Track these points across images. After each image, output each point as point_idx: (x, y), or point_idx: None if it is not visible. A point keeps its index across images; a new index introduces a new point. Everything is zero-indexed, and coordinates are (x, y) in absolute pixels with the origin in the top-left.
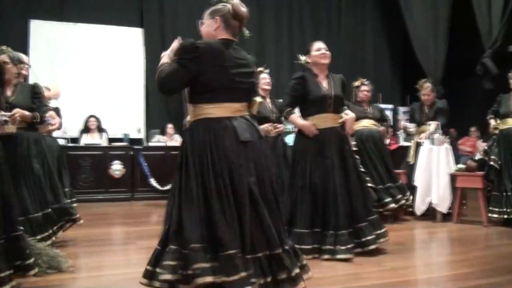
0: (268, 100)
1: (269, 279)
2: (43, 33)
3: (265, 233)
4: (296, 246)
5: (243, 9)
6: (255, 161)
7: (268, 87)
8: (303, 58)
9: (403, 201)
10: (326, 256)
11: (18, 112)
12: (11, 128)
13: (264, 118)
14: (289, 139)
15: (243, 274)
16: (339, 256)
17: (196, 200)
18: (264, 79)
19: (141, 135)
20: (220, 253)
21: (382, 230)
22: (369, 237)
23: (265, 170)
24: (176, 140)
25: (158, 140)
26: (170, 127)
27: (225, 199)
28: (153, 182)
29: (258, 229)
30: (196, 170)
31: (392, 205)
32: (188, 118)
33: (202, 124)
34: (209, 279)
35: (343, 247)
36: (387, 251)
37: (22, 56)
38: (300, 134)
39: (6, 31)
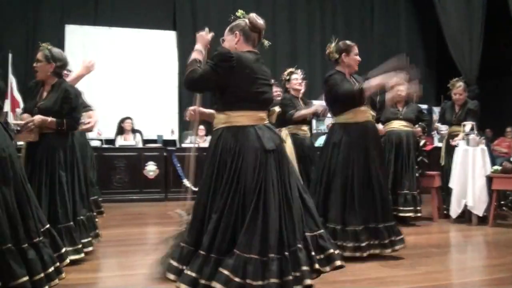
0: (300, 100)
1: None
2: (78, 37)
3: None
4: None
5: (260, 21)
6: (279, 167)
7: (300, 88)
8: (334, 49)
9: (410, 214)
10: (380, 251)
11: (33, 121)
12: (28, 137)
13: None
14: (321, 140)
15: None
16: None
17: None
18: (296, 79)
19: (175, 136)
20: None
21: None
22: (386, 241)
23: (290, 174)
24: (208, 141)
25: (191, 141)
26: (201, 129)
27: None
28: (186, 182)
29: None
30: (225, 177)
31: (394, 213)
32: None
33: (230, 131)
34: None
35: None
36: (420, 254)
37: (63, 56)
38: (334, 127)
39: (43, 36)
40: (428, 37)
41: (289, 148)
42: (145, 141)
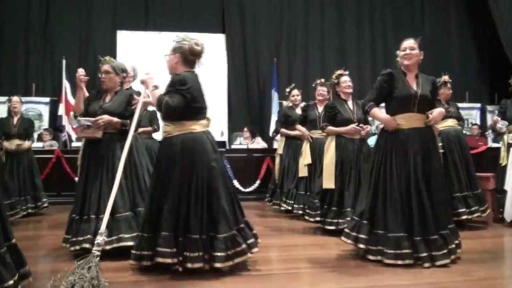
0: (350, 102)
1: None
2: (130, 42)
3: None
4: (379, 247)
5: (198, 48)
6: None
7: (349, 90)
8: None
9: (478, 213)
10: (425, 264)
11: (102, 118)
12: (96, 133)
13: (347, 120)
14: (372, 141)
15: None
16: (438, 263)
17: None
18: (345, 82)
19: (224, 137)
20: None
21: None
22: (434, 253)
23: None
24: (257, 143)
25: (240, 143)
26: (245, 131)
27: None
28: (236, 183)
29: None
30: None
31: (465, 217)
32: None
33: (189, 137)
34: None
35: (439, 253)
36: (474, 259)
37: (126, 66)
38: (384, 132)
39: (96, 42)
40: (480, 33)
41: (330, 151)
42: None
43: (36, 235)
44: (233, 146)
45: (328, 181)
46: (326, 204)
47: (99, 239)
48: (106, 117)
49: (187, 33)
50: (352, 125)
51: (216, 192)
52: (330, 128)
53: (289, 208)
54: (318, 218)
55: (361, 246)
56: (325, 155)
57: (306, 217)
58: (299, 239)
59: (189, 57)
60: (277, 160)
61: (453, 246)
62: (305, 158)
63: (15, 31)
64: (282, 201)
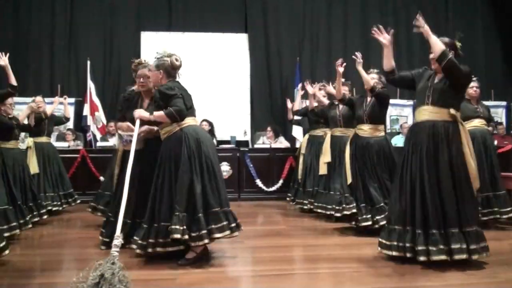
0: (369, 98)
1: None
2: (153, 43)
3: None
4: (387, 242)
5: (178, 62)
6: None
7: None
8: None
9: (498, 216)
10: (421, 258)
11: (143, 132)
12: (139, 145)
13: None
14: (397, 140)
15: None
16: (434, 258)
17: None
18: (372, 79)
19: (247, 137)
20: None
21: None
22: (455, 246)
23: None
24: (280, 142)
25: (263, 142)
26: (269, 130)
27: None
28: (259, 183)
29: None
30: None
31: (485, 218)
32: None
33: (190, 128)
34: None
35: (435, 248)
36: (502, 261)
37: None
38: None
39: (120, 43)
40: (506, 31)
41: (348, 147)
42: (219, 142)
43: (61, 233)
44: (256, 146)
45: (347, 177)
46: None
47: (116, 241)
48: (146, 128)
49: (165, 50)
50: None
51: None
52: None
53: (312, 207)
54: (349, 212)
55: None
56: (346, 151)
57: (334, 213)
58: (322, 239)
59: (171, 71)
60: (301, 159)
61: (475, 246)
62: (325, 156)
63: (40, 34)
64: (305, 200)
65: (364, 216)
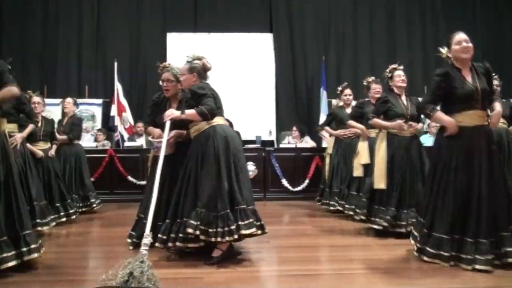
0: (403, 97)
1: None
2: (179, 44)
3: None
4: (434, 251)
5: (209, 65)
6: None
7: (403, 85)
8: (444, 50)
9: None
10: (464, 266)
11: (172, 137)
12: (168, 151)
13: (400, 116)
14: (424, 140)
15: None
16: (477, 267)
17: None
18: (399, 76)
19: (273, 137)
20: None
21: None
22: (509, 249)
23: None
24: (306, 142)
25: (288, 142)
26: (294, 130)
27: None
28: (285, 182)
29: None
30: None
31: None
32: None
33: (218, 127)
34: None
35: (482, 257)
36: None
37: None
38: (444, 132)
39: (146, 45)
40: None
41: (381, 150)
42: (244, 142)
43: (88, 232)
44: (281, 145)
45: (379, 181)
46: (376, 204)
47: (145, 240)
48: (175, 133)
49: (194, 53)
50: (399, 121)
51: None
52: (376, 120)
53: (339, 208)
54: (363, 217)
55: (418, 245)
56: (376, 153)
57: (356, 217)
58: (349, 239)
59: (203, 73)
60: (327, 159)
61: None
62: (362, 157)
63: (68, 36)
64: (332, 201)
65: (399, 222)
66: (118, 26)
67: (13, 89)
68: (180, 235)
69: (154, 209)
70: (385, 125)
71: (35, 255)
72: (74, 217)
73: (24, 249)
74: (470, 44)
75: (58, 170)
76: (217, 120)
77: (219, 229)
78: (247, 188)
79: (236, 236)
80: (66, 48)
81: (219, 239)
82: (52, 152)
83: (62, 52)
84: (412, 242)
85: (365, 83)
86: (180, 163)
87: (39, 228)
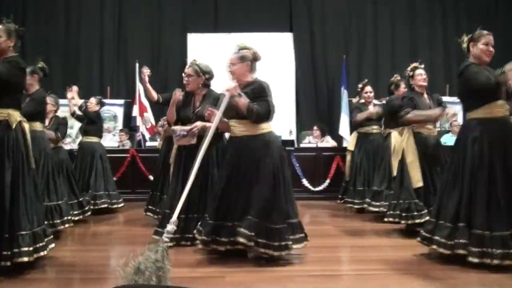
0: (425, 95)
1: None
2: (200, 44)
3: None
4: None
5: (259, 54)
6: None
7: (424, 83)
8: (465, 39)
9: None
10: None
11: (197, 126)
12: (190, 140)
13: None
14: (447, 139)
15: None
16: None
17: None
18: (421, 75)
19: (293, 136)
20: None
21: None
22: None
23: None
24: (326, 141)
25: (309, 141)
26: (315, 129)
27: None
28: (305, 182)
29: None
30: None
31: None
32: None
33: (273, 136)
34: None
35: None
36: None
37: (209, 69)
38: (474, 124)
39: (167, 45)
40: None
41: (411, 147)
42: None
43: (109, 230)
44: (301, 145)
45: (416, 179)
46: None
47: (169, 227)
48: (199, 124)
49: (241, 43)
50: (440, 108)
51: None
52: (416, 112)
53: (363, 207)
54: (420, 220)
55: (442, 250)
56: (405, 152)
57: (391, 219)
58: (371, 239)
59: (254, 64)
60: (348, 157)
61: None
62: (399, 155)
63: (90, 37)
64: (356, 199)
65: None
66: (139, 27)
67: None
68: (223, 239)
69: (172, 199)
70: (428, 114)
71: (25, 259)
72: (88, 214)
73: (16, 250)
74: (492, 49)
75: (71, 168)
76: (269, 127)
77: (275, 243)
78: (293, 200)
79: (287, 251)
80: (88, 50)
81: (275, 253)
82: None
83: (84, 53)
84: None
85: (395, 81)
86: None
87: (61, 227)
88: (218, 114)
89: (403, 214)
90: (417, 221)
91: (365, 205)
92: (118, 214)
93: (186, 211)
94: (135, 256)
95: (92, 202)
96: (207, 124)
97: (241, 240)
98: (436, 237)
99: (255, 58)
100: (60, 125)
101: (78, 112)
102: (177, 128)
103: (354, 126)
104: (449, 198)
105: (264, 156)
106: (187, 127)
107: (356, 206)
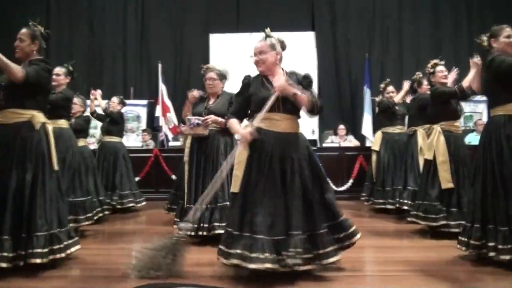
0: None
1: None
2: (222, 45)
3: None
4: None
5: (285, 44)
6: None
7: (445, 80)
8: (485, 38)
9: None
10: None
11: (210, 117)
12: (203, 131)
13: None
14: (471, 138)
15: None
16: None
17: None
18: (441, 71)
19: (315, 136)
20: None
21: None
22: None
23: None
24: (349, 141)
25: (331, 141)
26: (341, 128)
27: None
28: (329, 182)
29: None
30: None
31: None
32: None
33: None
34: None
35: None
36: None
37: (227, 71)
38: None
39: (190, 47)
40: None
41: (442, 147)
42: None
43: (132, 229)
44: (324, 145)
45: (446, 180)
46: (445, 206)
47: (185, 224)
48: (213, 116)
49: (268, 31)
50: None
51: None
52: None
53: (392, 207)
54: (436, 223)
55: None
56: (436, 151)
57: (413, 219)
58: (395, 240)
59: (281, 54)
60: (374, 157)
61: None
62: (427, 152)
63: (113, 39)
64: (385, 200)
65: (455, 222)
66: (161, 28)
67: (19, 71)
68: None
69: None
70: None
71: (38, 260)
72: (107, 212)
73: (30, 251)
74: None
75: (95, 166)
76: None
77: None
78: None
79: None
80: (112, 51)
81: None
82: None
83: (108, 54)
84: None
85: (418, 78)
86: (210, 152)
87: (84, 223)
88: (262, 112)
89: (422, 215)
90: (434, 224)
91: (393, 205)
92: (141, 213)
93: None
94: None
95: (119, 201)
96: (219, 118)
97: (295, 262)
98: (490, 244)
99: (283, 47)
100: (84, 120)
101: (100, 111)
102: (192, 117)
103: (378, 124)
104: (498, 200)
105: (311, 156)
106: (202, 118)
107: (384, 206)
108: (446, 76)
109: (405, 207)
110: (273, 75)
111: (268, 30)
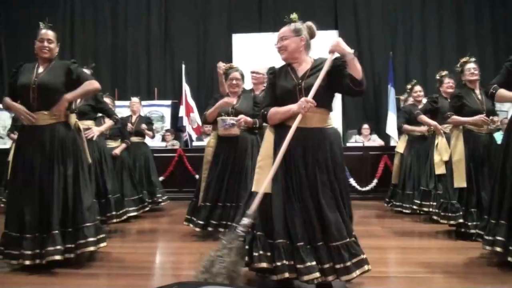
0: (477, 91)
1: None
2: (245, 45)
3: None
4: None
5: (316, 31)
6: None
7: (474, 78)
8: None
9: None
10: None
11: (243, 117)
12: (236, 131)
13: (475, 112)
14: (497, 137)
15: None
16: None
17: None
18: (469, 70)
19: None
20: None
21: None
22: None
23: None
24: (373, 140)
25: (355, 141)
26: (365, 128)
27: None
28: (352, 182)
29: None
30: None
31: None
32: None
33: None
34: None
35: None
36: None
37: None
38: None
39: (212, 47)
40: None
41: (459, 146)
42: None
43: (157, 228)
44: (348, 144)
45: (460, 179)
46: (463, 206)
47: (246, 220)
48: (244, 116)
49: (292, 15)
50: (480, 116)
51: None
52: (455, 117)
53: (412, 212)
54: (455, 221)
55: (498, 249)
56: (452, 150)
57: (436, 217)
58: (419, 241)
59: (309, 41)
60: (396, 159)
61: None
62: (444, 153)
63: (137, 40)
64: (405, 203)
65: (475, 223)
66: (185, 28)
67: (94, 82)
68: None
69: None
70: (466, 121)
71: (91, 248)
72: (145, 210)
73: (82, 241)
74: None
75: (130, 165)
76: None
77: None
78: None
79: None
80: (135, 52)
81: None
82: (116, 151)
83: (132, 55)
84: (487, 247)
85: (437, 77)
86: (239, 151)
87: (115, 220)
88: (319, 78)
89: (442, 214)
90: (452, 222)
91: (415, 208)
92: (165, 212)
93: (223, 200)
94: (207, 253)
95: (154, 199)
96: (249, 118)
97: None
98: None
99: (311, 34)
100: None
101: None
102: (227, 118)
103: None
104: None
105: (340, 157)
106: (236, 118)
107: (405, 211)
108: (474, 73)
109: (423, 209)
110: (298, 62)
111: (294, 15)
